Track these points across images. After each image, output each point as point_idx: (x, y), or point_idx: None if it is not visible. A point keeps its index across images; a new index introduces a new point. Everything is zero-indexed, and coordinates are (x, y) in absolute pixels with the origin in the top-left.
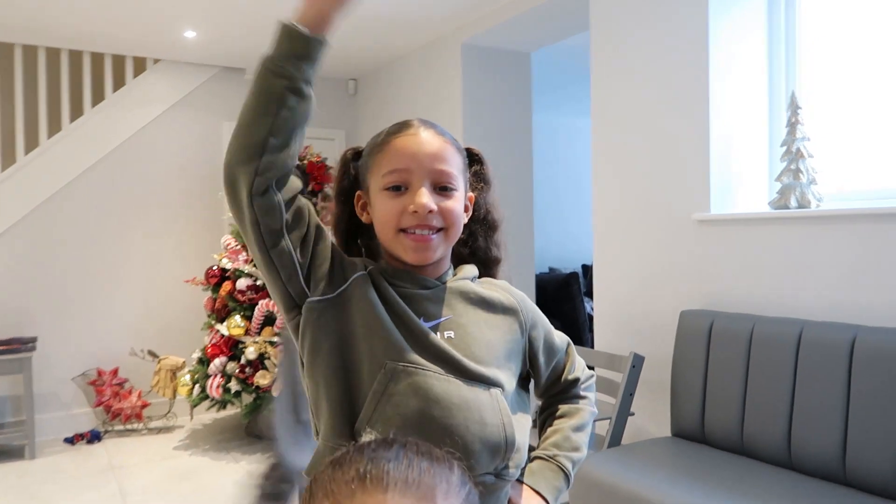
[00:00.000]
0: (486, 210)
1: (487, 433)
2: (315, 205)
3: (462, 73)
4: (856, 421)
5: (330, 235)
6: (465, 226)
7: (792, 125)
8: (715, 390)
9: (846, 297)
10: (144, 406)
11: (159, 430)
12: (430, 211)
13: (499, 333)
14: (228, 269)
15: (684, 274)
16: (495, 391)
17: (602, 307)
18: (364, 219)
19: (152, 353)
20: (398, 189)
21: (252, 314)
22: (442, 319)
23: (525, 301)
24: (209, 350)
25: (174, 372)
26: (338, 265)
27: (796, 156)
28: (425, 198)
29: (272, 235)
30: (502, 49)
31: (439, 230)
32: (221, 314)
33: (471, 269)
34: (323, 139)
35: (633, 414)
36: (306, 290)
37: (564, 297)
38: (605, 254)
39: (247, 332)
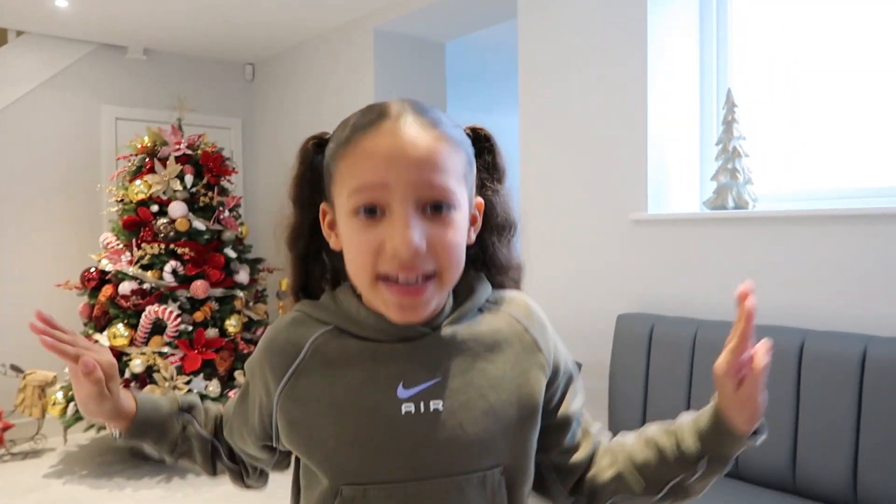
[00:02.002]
0: (503, 212)
1: None
2: (210, 199)
3: (374, 61)
4: (805, 430)
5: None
6: (477, 238)
7: (728, 123)
8: (656, 399)
9: (791, 301)
10: (7, 428)
11: (25, 455)
12: (417, 251)
13: (509, 392)
14: (109, 272)
15: (620, 276)
16: (492, 476)
17: None
18: (332, 244)
19: (16, 368)
20: (372, 212)
21: (137, 322)
22: (427, 385)
23: (545, 330)
24: None
25: (43, 388)
26: (264, 410)
27: (733, 155)
28: (409, 232)
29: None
30: (417, 37)
31: (432, 276)
32: (101, 322)
33: (480, 293)
34: (218, 128)
35: None
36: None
37: None
38: (535, 255)
39: (132, 343)
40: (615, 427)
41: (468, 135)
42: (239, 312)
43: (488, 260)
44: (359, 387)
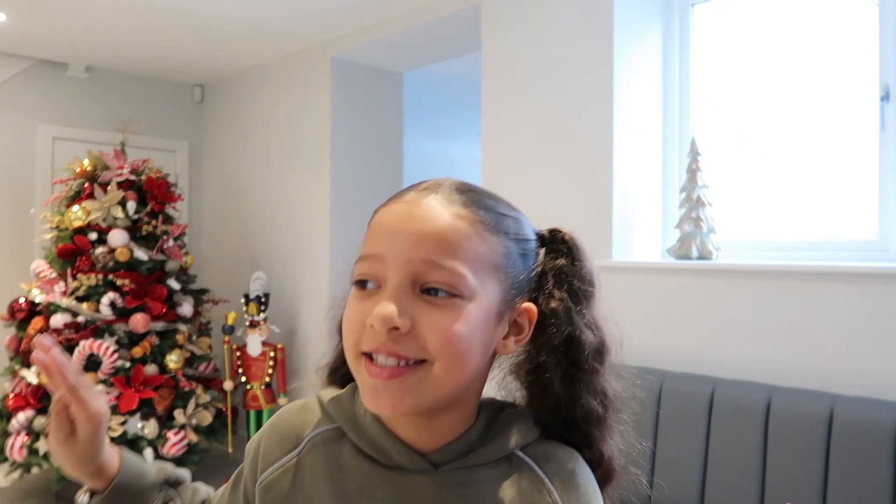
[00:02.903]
0: (577, 331)
1: None
2: (154, 227)
3: (331, 88)
4: (773, 485)
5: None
6: (529, 353)
7: (692, 171)
8: (620, 449)
9: (757, 354)
10: None
11: None
12: (394, 327)
13: None
14: (40, 303)
15: None
16: None
17: None
18: None
19: None
20: (366, 285)
21: (70, 358)
22: None
23: None
24: (11, 401)
25: None
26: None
27: (697, 203)
28: (386, 304)
29: None
30: (375, 67)
31: (419, 362)
32: (28, 357)
33: (514, 434)
34: (164, 150)
35: None
36: None
37: None
38: None
39: None
40: None
41: (543, 234)
42: (181, 347)
43: (545, 396)
44: None
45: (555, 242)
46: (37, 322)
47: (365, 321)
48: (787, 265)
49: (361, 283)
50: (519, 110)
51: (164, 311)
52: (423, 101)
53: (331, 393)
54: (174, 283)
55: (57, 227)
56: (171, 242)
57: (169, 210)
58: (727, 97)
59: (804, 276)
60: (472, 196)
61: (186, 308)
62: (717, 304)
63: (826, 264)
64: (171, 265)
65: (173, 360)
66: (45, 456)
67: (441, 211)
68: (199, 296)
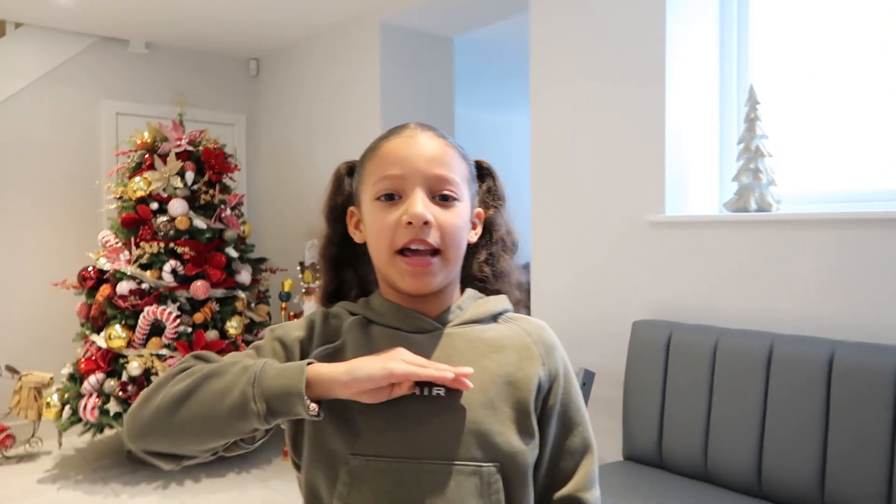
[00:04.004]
0: (505, 228)
1: None
2: (212, 197)
3: (381, 57)
4: (835, 446)
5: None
6: (480, 246)
7: (750, 121)
8: (674, 409)
9: (819, 309)
10: (1, 431)
11: (20, 459)
12: (427, 222)
13: (506, 390)
14: (107, 271)
15: (636, 280)
16: (489, 470)
17: (541, 315)
18: (357, 238)
19: (11, 369)
20: (391, 198)
21: (136, 323)
22: None
23: (553, 349)
24: (83, 365)
25: (39, 390)
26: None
27: (755, 154)
28: (419, 206)
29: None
30: (424, 32)
31: (436, 252)
32: (98, 323)
33: (497, 303)
34: (221, 124)
35: None
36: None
37: None
38: (546, 258)
39: (129, 344)
40: (630, 436)
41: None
42: (240, 314)
43: (492, 268)
44: None
45: (481, 170)
46: (104, 289)
47: (396, 223)
48: (851, 213)
49: (388, 197)
50: (568, 63)
51: (223, 278)
52: (474, 69)
53: (345, 302)
54: (232, 252)
55: (120, 197)
56: (228, 211)
57: (226, 180)
58: (788, 42)
59: (870, 223)
60: (440, 131)
61: (245, 276)
62: (777, 258)
63: (886, 210)
64: (230, 234)
65: (233, 326)
66: (116, 416)
67: (436, 142)
68: (256, 264)
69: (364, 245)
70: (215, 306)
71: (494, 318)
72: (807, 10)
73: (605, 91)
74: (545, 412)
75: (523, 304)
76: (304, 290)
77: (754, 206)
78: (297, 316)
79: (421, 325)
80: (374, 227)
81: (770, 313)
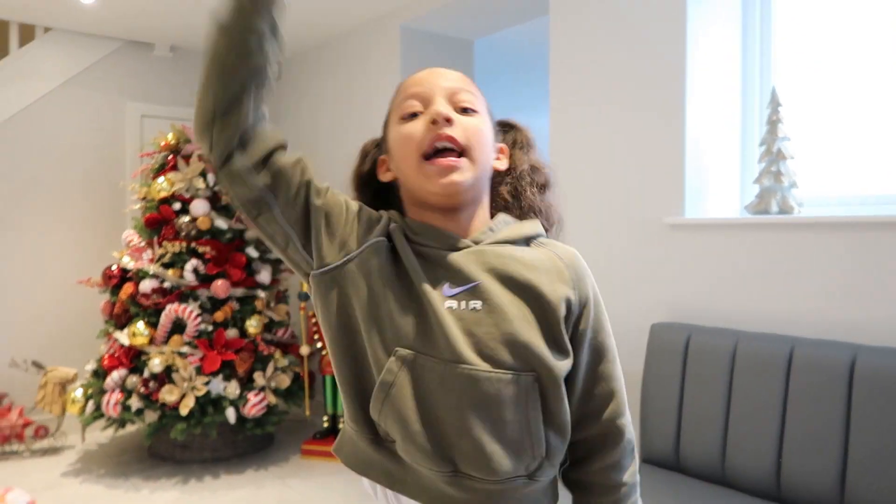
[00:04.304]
0: (532, 166)
1: (509, 432)
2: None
3: (401, 59)
4: (856, 451)
5: (338, 194)
6: (509, 182)
7: (772, 123)
8: (692, 412)
9: (841, 313)
10: (27, 424)
11: (45, 452)
12: (448, 119)
13: (539, 303)
14: (130, 269)
15: (655, 283)
16: (526, 379)
17: None
18: (387, 177)
19: (37, 364)
20: (415, 116)
21: (157, 321)
22: (468, 286)
23: (584, 276)
24: (106, 361)
25: (63, 385)
26: (347, 227)
27: (777, 157)
28: (441, 105)
29: (251, 205)
30: (444, 35)
31: (462, 154)
32: (122, 320)
33: (530, 226)
34: None
35: None
36: (308, 259)
37: None
38: None
39: (151, 342)
40: (648, 439)
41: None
42: (260, 313)
43: (520, 197)
44: (415, 278)
45: (504, 125)
46: (127, 287)
47: (422, 128)
48: (873, 216)
49: (413, 116)
50: (587, 65)
51: (243, 277)
52: (495, 70)
53: (387, 213)
54: (252, 251)
55: (144, 198)
56: None
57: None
58: (811, 43)
59: (892, 227)
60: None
61: (265, 275)
62: (798, 261)
63: None
64: (250, 234)
65: (253, 324)
66: (138, 412)
67: (456, 73)
68: (276, 264)
69: (394, 192)
70: (235, 305)
71: (527, 241)
72: (830, 11)
73: (624, 93)
74: (576, 336)
75: (555, 234)
76: None
77: (776, 209)
78: (314, 316)
79: (453, 243)
80: (400, 140)
81: (790, 316)
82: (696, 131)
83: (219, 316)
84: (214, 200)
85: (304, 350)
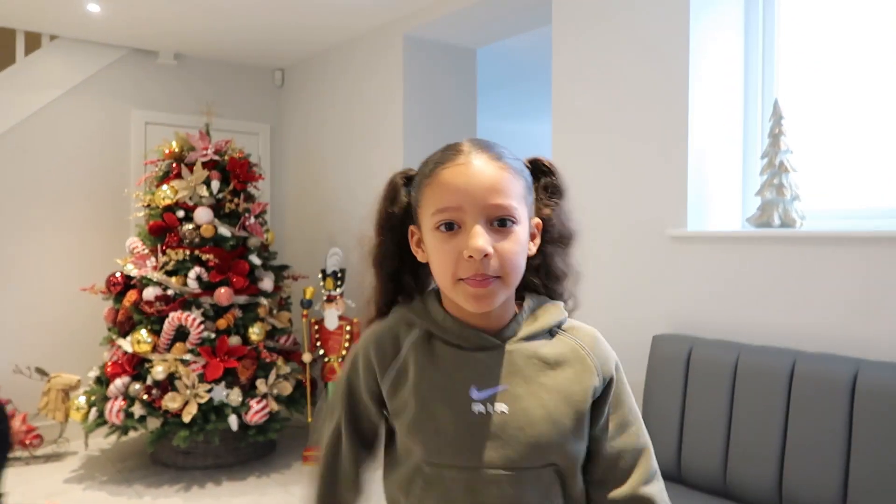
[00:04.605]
0: (560, 225)
1: None
2: (236, 205)
3: (404, 67)
4: (858, 465)
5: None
6: (538, 251)
7: (774, 136)
8: (694, 424)
9: (844, 327)
10: (30, 431)
11: (48, 459)
12: (487, 255)
13: (564, 403)
14: (134, 277)
15: (657, 294)
16: (548, 472)
17: None
18: (420, 257)
19: (41, 371)
20: (451, 227)
21: (161, 328)
22: (496, 390)
23: (607, 359)
24: (109, 368)
25: (66, 392)
26: (367, 391)
27: (779, 169)
28: (480, 240)
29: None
30: (447, 44)
31: (497, 277)
32: (125, 328)
33: (553, 314)
34: (247, 133)
35: None
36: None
37: None
38: None
39: (154, 349)
40: None
41: (527, 165)
42: (262, 320)
43: (547, 269)
44: (441, 385)
45: (538, 167)
46: (131, 295)
47: (458, 255)
48: (876, 231)
49: (448, 226)
50: (590, 75)
51: (246, 285)
52: (497, 78)
53: (405, 307)
54: (255, 259)
55: (148, 205)
56: (252, 220)
57: (250, 189)
58: (814, 56)
59: (892, 241)
60: (495, 150)
61: (267, 283)
62: (800, 275)
63: None
64: (253, 241)
65: (255, 332)
66: (141, 419)
67: (490, 167)
68: (279, 272)
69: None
70: (238, 313)
71: (550, 332)
72: (833, 23)
73: (627, 103)
74: (598, 412)
75: (573, 295)
76: (325, 298)
77: (778, 222)
78: (318, 323)
79: (482, 343)
80: (436, 256)
81: (793, 330)
82: (699, 142)
83: (221, 323)
84: (217, 208)
85: (307, 357)
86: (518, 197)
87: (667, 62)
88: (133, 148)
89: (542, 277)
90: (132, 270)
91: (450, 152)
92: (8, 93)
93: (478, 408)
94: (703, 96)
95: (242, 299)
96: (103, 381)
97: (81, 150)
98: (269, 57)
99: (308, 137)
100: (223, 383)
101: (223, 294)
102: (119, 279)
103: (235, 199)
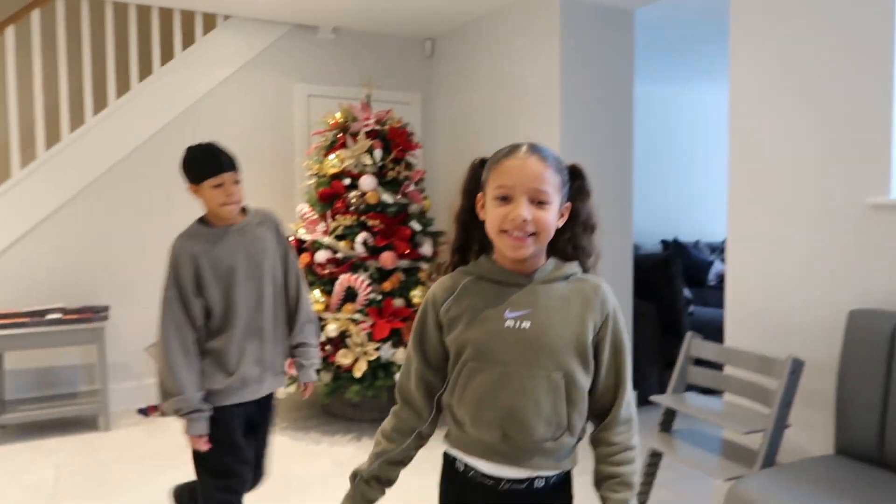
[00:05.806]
0: (587, 216)
1: (542, 411)
2: (398, 173)
3: (560, 32)
4: None
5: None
6: (566, 228)
7: None
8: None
9: None
10: None
11: None
12: (525, 220)
13: (571, 327)
14: (306, 241)
15: (853, 267)
16: (556, 376)
17: (739, 300)
18: (481, 216)
19: None
20: (504, 199)
21: (332, 289)
22: (524, 312)
23: (606, 299)
24: None
25: None
26: (434, 325)
27: None
28: (522, 210)
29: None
30: (604, 5)
31: (532, 234)
32: None
33: (569, 268)
34: (400, 103)
35: (788, 426)
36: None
37: (661, 278)
38: (746, 241)
39: (327, 308)
40: (846, 431)
41: (566, 168)
42: (423, 284)
43: (574, 243)
44: (484, 308)
45: (575, 172)
46: (304, 258)
47: (504, 216)
48: None
49: (503, 199)
50: (774, 31)
51: (408, 250)
52: (656, 41)
53: (464, 267)
54: (416, 225)
55: (316, 173)
56: (412, 187)
57: (409, 157)
58: None
59: None
60: (544, 153)
61: (427, 248)
62: None
63: None
64: (413, 208)
65: (417, 295)
66: (317, 372)
67: (539, 165)
68: (436, 237)
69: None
70: (402, 276)
71: (566, 278)
72: None
73: (818, 58)
74: (599, 341)
75: (594, 268)
76: None
77: None
78: None
79: (516, 280)
80: (492, 215)
81: None
82: None
83: (386, 286)
84: (380, 176)
85: None
86: (553, 187)
87: (867, 13)
88: (297, 119)
89: (571, 249)
90: (304, 235)
91: (511, 150)
92: (190, 70)
93: (509, 324)
94: None
95: (405, 263)
96: None
97: (252, 122)
98: (419, 27)
99: (459, 105)
100: (389, 342)
101: (388, 258)
102: (292, 243)
103: (396, 168)
